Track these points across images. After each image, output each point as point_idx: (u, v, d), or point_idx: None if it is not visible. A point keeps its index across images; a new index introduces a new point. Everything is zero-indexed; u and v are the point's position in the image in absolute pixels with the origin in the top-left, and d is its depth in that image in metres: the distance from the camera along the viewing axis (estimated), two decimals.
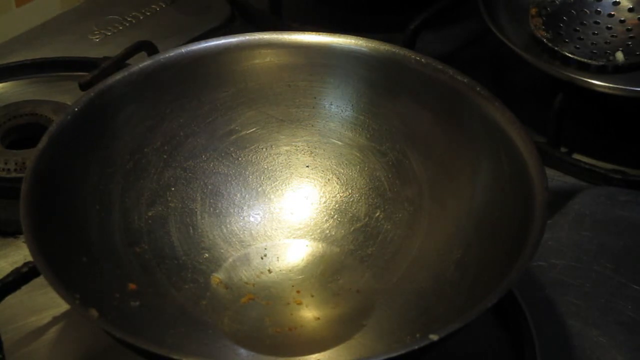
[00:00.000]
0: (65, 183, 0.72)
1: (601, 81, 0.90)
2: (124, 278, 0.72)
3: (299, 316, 0.74)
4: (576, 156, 0.92)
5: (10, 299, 0.76)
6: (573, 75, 0.91)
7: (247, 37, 0.81)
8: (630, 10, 0.98)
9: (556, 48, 0.94)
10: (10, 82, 1.00)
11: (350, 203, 0.80)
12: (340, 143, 0.81)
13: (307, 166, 0.82)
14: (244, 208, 0.80)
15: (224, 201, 0.80)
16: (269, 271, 0.77)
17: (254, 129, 0.82)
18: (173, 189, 0.78)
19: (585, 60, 0.92)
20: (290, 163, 0.82)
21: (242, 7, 1.10)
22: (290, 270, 0.77)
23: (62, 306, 0.76)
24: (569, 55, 0.93)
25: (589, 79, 0.90)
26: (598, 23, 0.97)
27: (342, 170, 0.81)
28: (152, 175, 0.78)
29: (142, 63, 0.79)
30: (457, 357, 0.73)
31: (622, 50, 0.93)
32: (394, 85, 0.80)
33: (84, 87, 0.86)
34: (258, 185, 0.81)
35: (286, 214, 0.81)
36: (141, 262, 0.74)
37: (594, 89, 0.90)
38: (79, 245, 0.71)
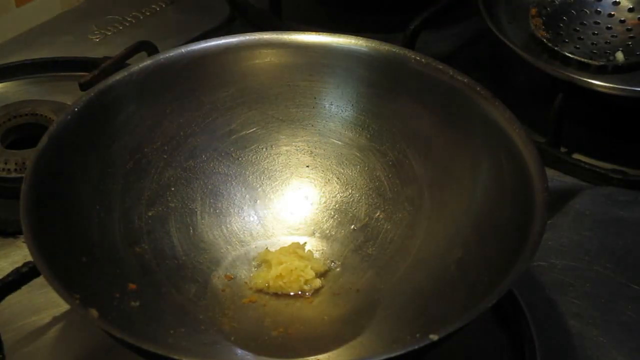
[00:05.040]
0: (65, 183, 0.72)
1: (601, 81, 0.90)
2: (124, 278, 0.72)
3: (299, 316, 0.74)
4: (576, 156, 0.92)
5: (10, 299, 0.76)
6: (573, 75, 0.91)
7: (247, 37, 0.81)
8: (630, 10, 0.98)
9: (556, 48, 0.94)
10: (10, 82, 1.00)
11: (350, 203, 0.80)
12: (340, 143, 0.81)
13: (307, 166, 0.82)
14: (244, 208, 0.80)
15: (224, 201, 0.80)
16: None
17: (254, 129, 0.82)
18: (173, 189, 0.79)
19: (585, 60, 0.93)
20: (290, 163, 0.82)
21: (242, 7, 1.10)
22: None
23: (62, 306, 0.76)
24: (569, 55, 0.93)
25: (589, 79, 0.90)
26: (598, 23, 0.98)
27: (342, 170, 0.81)
28: (152, 175, 0.78)
29: (142, 63, 0.79)
30: (457, 357, 0.73)
31: (622, 50, 0.93)
32: (394, 85, 0.80)
33: (84, 87, 0.86)
34: (258, 185, 0.81)
35: (286, 214, 0.81)
36: (141, 262, 0.74)
37: (594, 89, 0.90)
38: (79, 245, 0.71)
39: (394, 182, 0.79)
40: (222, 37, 0.81)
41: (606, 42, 0.96)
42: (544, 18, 0.97)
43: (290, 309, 0.74)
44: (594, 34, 0.97)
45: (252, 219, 0.80)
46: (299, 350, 0.71)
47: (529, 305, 0.75)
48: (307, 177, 0.82)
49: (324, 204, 0.81)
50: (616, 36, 0.96)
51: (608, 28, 0.97)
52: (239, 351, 0.71)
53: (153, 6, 1.12)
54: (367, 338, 0.72)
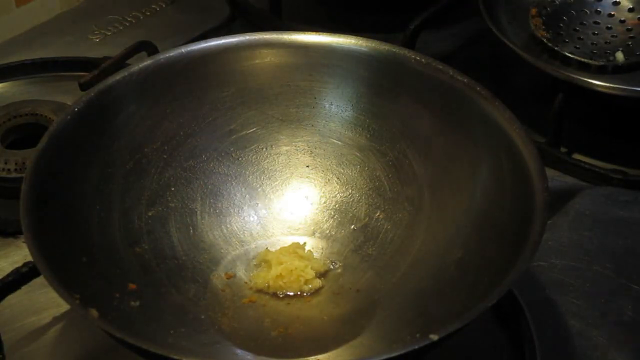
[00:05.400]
0: (65, 183, 0.72)
1: (601, 81, 0.90)
2: (124, 278, 0.72)
3: (299, 316, 0.74)
4: (576, 156, 0.92)
5: (10, 299, 0.76)
6: (573, 75, 0.91)
7: (247, 37, 0.81)
8: (630, 10, 0.98)
9: (556, 48, 0.94)
10: (10, 82, 1.00)
11: (351, 203, 0.80)
12: (340, 143, 0.81)
13: (307, 166, 0.82)
14: (244, 208, 0.80)
15: (224, 201, 0.80)
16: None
17: (254, 129, 0.82)
18: (173, 189, 0.79)
19: (585, 60, 0.93)
20: (290, 163, 0.82)
21: (242, 7, 1.10)
22: None
23: (62, 306, 0.76)
24: (569, 55, 0.93)
25: (589, 79, 0.90)
26: (598, 23, 0.98)
27: (342, 170, 0.81)
28: (152, 175, 0.78)
29: (142, 63, 0.79)
30: (457, 357, 0.73)
31: (622, 50, 0.93)
32: (394, 85, 0.80)
33: (84, 87, 0.87)
34: (258, 185, 0.81)
35: (286, 214, 0.81)
36: (141, 262, 0.74)
37: (594, 89, 0.90)
38: (79, 245, 0.71)
39: (394, 182, 0.79)
40: (222, 37, 0.81)
41: (606, 42, 0.96)
42: (544, 18, 0.97)
43: (290, 309, 0.74)
44: (594, 34, 0.97)
45: (252, 219, 0.80)
46: (299, 350, 0.71)
47: (529, 305, 0.75)
48: (307, 177, 0.82)
49: (324, 204, 0.81)
50: (616, 36, 0.96)
51: (608, 28, 0.97)
52: (239, 351, 0.71)
53: (153, 6, 1.12)
54: (367, 338, 0.72)
